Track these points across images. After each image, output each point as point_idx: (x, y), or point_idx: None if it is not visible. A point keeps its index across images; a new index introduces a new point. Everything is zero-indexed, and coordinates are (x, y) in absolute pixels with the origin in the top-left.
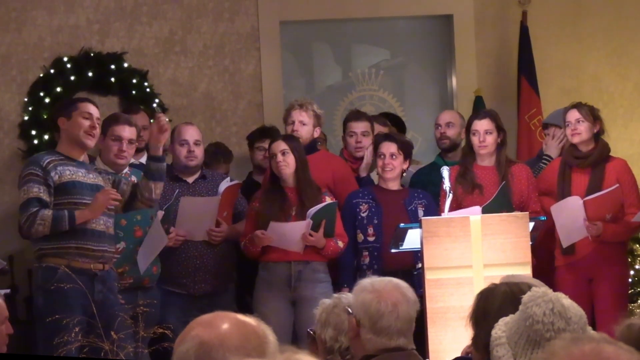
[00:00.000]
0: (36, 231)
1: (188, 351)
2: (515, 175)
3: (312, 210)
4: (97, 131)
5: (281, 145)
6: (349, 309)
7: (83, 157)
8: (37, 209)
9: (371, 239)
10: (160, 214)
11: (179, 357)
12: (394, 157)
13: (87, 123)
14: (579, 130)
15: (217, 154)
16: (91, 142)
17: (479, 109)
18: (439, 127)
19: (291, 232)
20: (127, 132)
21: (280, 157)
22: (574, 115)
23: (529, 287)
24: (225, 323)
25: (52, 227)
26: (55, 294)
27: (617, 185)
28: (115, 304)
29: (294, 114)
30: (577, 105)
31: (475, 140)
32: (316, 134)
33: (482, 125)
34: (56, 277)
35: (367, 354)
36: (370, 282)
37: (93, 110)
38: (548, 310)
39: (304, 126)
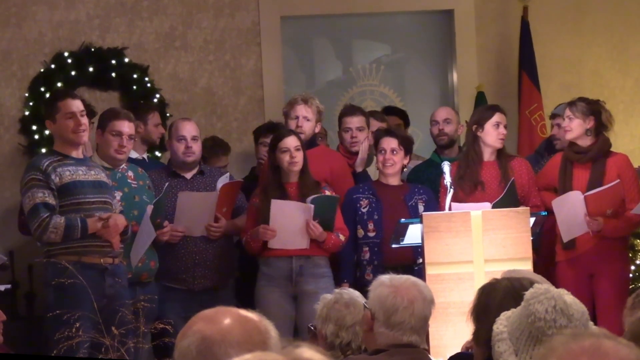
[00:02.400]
0: (48, 238)
1: (190, 346)
2: (515, 170)
3: (312, 196)
4: (85, 124)
5: (296, 142)
6: (365, 303)
7: (82, 151)
8: (47, 215)
9: (371, 234)
10: (150, 208)
11: (181, 352)
12: (394, 152)
13: (71, 124)
14: (570, 127)
15: (215, 147)
16: (83, 138)
17: (480, 105)
18: (436, 124)
19: (293, 215)
20: (127, 127)
21: (294, 153)
22: (565, 112)
23: (531, 282)
24: (227, 318)
25: (64, 236)
26: (66, 290)
27: (618, 180)
28: (126, 298)
29: (298, 109)
30: (570, 103)
31: (495, 133)
32: (317, 130)
33: (502, 118)
34: (67, 273)
35: (378, 348)
36: (389, 277)
37: (75, 106)
38: (550, 308)
39: (308, 122)
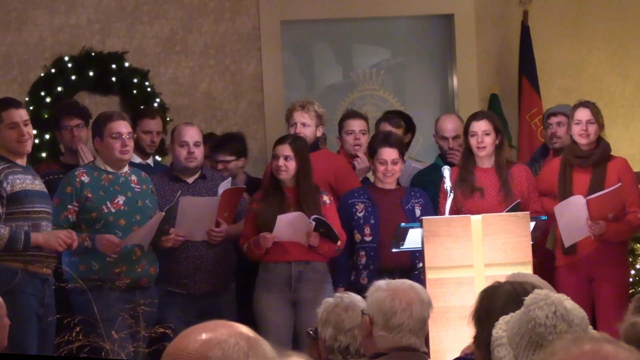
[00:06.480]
0: None
1: (238, 343)
2: (514, 176)
3: (318, 217)
4: (29, 133)
5: (285, 151)
6: (363, 309)
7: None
8: None
9: (368, 238)
10: (161, 215)
11: (227, 351)
12: (395, 162)
13: (14, 134)
14: (589, 131)
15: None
16: (27, 147)
17: (494, 108)
18: (446, 140)
19: (296, 223)
20: (124, 126)
21: (281, 162)
22: (585, 115)
23: (533, 287)
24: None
25: (6, 247)
26: (11, 297)
27: (620, 184)
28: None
29: (295, 116)
30: (589, 105)
31: (473, 141)
32: (319, 133)
33: (480, 126)
34: (15, 281)
35: (378, 352)
36: (385, 282)
37: (17, 116)
38: (550, 313)
39: (307, 127)
